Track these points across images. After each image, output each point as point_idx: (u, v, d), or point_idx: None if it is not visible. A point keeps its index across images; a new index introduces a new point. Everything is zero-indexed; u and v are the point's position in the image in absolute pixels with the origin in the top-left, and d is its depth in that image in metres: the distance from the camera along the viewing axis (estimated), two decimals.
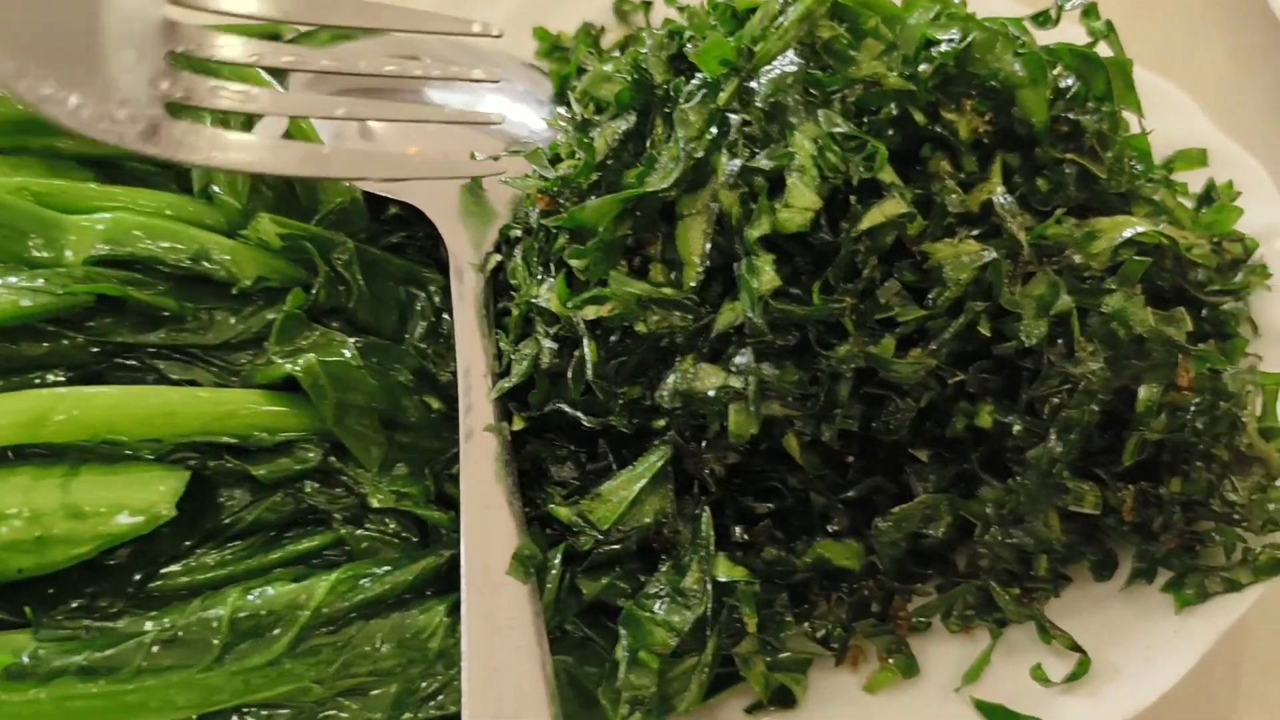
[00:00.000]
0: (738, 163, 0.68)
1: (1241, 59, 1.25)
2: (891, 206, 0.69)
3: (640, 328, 0.69)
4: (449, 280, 0.81)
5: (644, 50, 0.81)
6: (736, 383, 0.67)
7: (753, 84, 0.71)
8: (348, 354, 0.75)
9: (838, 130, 0.68)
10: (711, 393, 0.68)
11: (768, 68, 0.70)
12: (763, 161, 0.67)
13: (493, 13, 1.07)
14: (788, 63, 0.70)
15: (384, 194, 0.84)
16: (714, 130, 0.71)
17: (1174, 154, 0.95)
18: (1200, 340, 0.84)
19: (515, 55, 1.01)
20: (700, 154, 0.70)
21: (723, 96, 0.71)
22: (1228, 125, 1.13)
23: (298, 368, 0.73)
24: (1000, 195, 0.70)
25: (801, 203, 0.66)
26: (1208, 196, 0.92)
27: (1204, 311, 0.85)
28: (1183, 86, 1.19)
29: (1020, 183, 0.77)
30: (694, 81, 0.73)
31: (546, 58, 1.04)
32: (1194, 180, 0.94)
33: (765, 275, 0.66)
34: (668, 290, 0.70)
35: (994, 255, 0.68)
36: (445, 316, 0.83)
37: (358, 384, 0.75)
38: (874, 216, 0.69)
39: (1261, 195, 0.92)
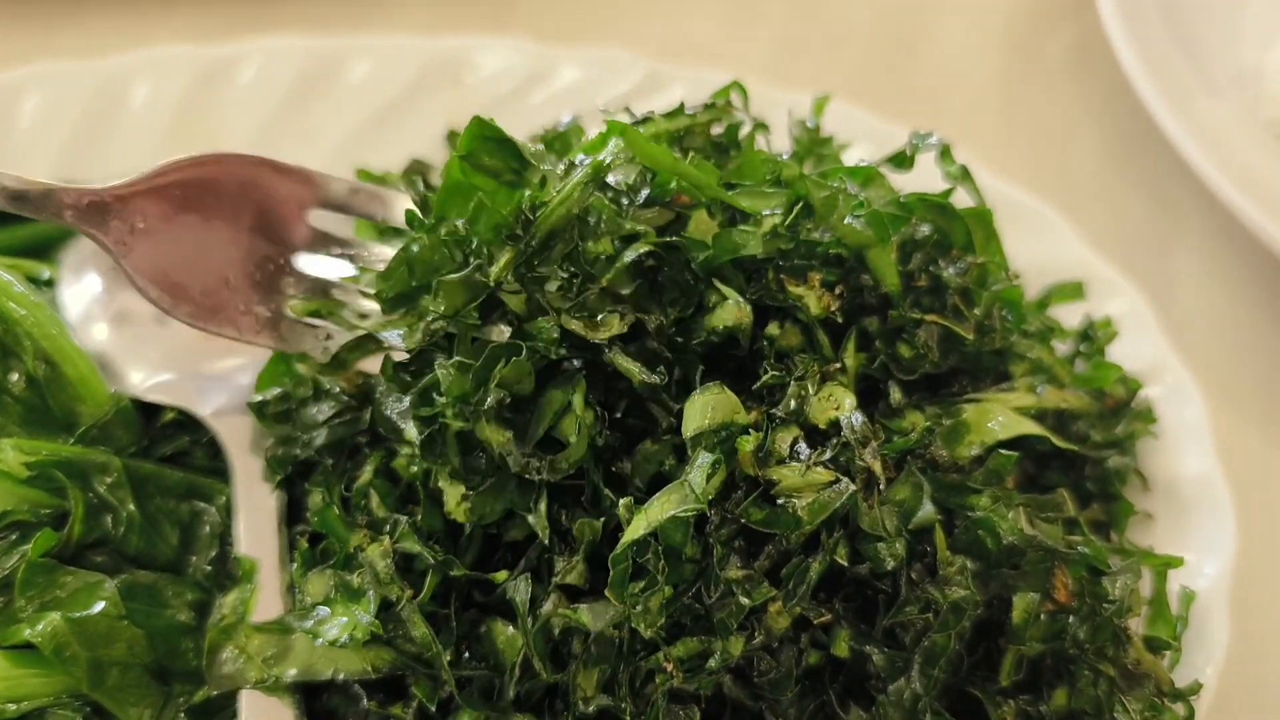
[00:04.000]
0: None
1: (1116, 150, 1.20)
2: (726, 409, 0.60)
3: None
4: None
5: None
6: None
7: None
8: (103, 605, 0.64)
9: None
10: None
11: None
12: None
13: (310, 152, 0.97)
14: None
15: (155, 400, 0.73)
16: None
17: (1050, 288, 0.88)
18: (1084, 501, 0.77)
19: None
20: None
21: (495, 270, 0.62)
22: (1104, 222, 1.09)
23: (37, 634, 0.62)
24: (848, 414, 0.61)
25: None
26: (1086, 335, 0.85)
27: (1087, 469, 0.78)
28: (1058, 182, 1.15)
29: (880, 349, 0.69)
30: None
31: None
32: (1072, 311, 0.88)
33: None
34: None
35: (853, 488, 0.59)
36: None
37: (118, 637, 0.64)
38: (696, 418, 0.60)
39: (1142, 329, 0.86)
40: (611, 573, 0.58)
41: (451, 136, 0.98)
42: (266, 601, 0.66)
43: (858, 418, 0.61)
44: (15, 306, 0.69)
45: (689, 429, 0.60)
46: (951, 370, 0.72)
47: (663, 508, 0.59)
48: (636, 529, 0.59)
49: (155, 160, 0.93)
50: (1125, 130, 1.21)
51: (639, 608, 0.57)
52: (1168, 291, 1.06)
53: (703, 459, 0.60)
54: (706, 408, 0.60)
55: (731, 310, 0.65)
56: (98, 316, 0.79)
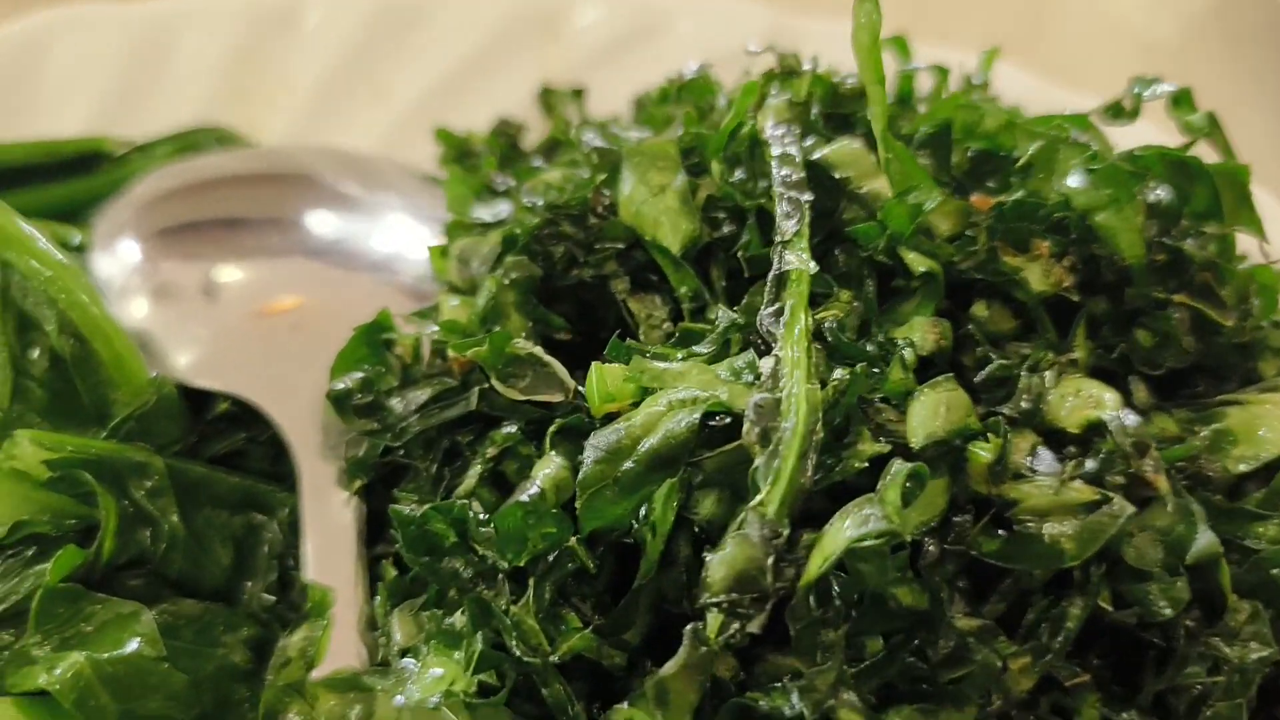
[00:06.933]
0: None
1: None
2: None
3: None
4: None
5: None
6: None
7: None
8: (138, 643, 0.51)
9: None
10: None
11: None
12: None
13: (383, 111, 0.85)
14: None
15: (207, 386, 0.60)
16: None
17: None
18: None
19: (406, 166, 0.78)
20: None
21: None
22: None
23: (54, 679, 0.48)
24: (1118, 414, 0.47)
25: None
26: None
27: None
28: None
29: (1107, 335, 0.56)
30: None
31: (453, 165, 0.80)
32: None
33: None
34: None
35: (1130, 510, 0.45)
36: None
37: (156, 685, 0.51)
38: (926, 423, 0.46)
39: None
40: (793, 632, 0.44)
41: (545, 94, 0.85)
42: (341, 643, 0.53)
43: (1130, 418, 0.47)
44: (39, 266, 0.56)
45: (919, 435, 0.46)
46: (1191, 366, 0.58)
47: (837, 536, 0.44)
48: (812, 569, 0.45)
49: (203, 118, 0.82)
50: None
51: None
52: None
53: (896, 466, 0.46)
54: (938, 407, 0.46)
55: (925, 331, 0.51)
56: (137, 289, 0.66)
